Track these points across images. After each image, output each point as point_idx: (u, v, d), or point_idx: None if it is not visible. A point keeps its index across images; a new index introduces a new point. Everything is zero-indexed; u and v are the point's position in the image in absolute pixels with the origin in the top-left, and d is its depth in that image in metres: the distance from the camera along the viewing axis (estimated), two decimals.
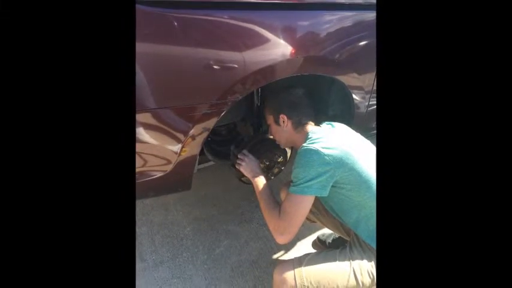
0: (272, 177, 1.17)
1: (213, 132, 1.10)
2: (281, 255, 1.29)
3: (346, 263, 0.79)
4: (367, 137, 0.90)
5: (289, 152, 1.18)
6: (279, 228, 0.78)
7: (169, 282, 1.16)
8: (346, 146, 0.77)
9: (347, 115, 1.13)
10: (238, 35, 0.73)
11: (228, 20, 0.71)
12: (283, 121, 0.90)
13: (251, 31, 0.74)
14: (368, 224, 0.82)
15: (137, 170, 0.82)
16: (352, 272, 0.78)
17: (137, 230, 1.38)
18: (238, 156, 1.00)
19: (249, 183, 0.99)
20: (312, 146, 0.77)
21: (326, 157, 0.74)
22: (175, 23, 0.65)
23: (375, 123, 1.22)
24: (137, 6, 0.60)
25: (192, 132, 0.80)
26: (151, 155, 0.81)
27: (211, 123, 0.82)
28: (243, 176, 1.01)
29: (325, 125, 0.89)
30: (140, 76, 0.67)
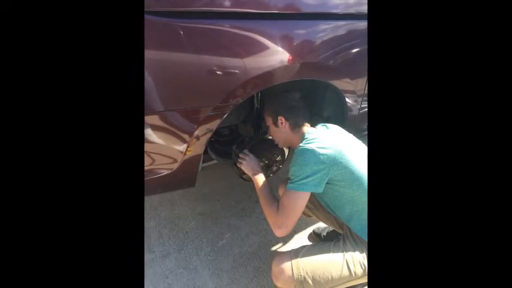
0: (271, 175, 1.17)
1: (216, 133, 1.10)
2: (279, 247, 1.29)
3: (340, 254, 0.80)
4: (359, 137, 0.90)
5: (286, 151, 1.18)
6: (277, 222, 0.78)
7: (175, 272, 1.16)
8: (339, 146, 0.77)
9: (340, 117, 1.13)
10: (240, 42, 0.73)
11: (230, 29, 0.71)
12: (282, 122, 0.90)
13: (251, 39, 0.74)
14: (360, 218, 0.82)
15: (146, 168, 0.82)
16: (345, 263, 0.78)
17: (145, 223, 1.38)
18: (240, 156, 1.00)
19: (250, 181, 0.99)
20: (308, 146, 0.77)
21: (321, 156, 0.74)
22: (181, 32, 0.65)
23: (367, 124, 1.22)
24: (146, 16, 0.60)
25: (196, 133, 0.80)
26: (159, 154, 0.81)
27: (214, 124, 0.82)
28: (244, 173, 1.01)
29: (320, 126, 0.89)
30: (149, 81, 0.67)
